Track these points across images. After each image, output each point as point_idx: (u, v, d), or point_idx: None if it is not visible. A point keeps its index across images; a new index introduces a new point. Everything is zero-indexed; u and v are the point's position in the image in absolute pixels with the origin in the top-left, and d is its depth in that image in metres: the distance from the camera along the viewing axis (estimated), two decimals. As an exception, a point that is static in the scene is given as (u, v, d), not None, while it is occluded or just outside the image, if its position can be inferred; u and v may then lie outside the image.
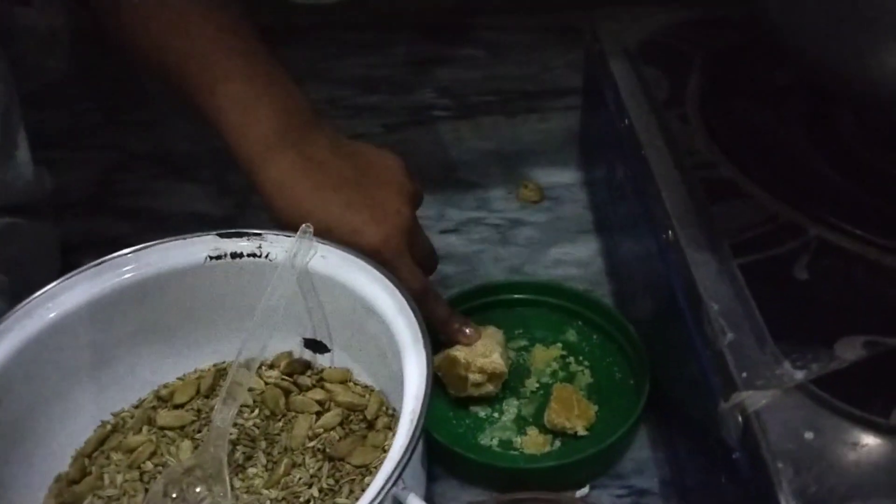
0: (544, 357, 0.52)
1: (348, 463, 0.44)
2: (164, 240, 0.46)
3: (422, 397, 0.37)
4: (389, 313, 0.42)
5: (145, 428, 0.47)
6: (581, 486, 0.46)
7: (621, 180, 0.53)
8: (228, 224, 0.63)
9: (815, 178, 0.45)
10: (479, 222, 0.65)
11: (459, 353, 0.48)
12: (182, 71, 0.47)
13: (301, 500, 0.42)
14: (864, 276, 0.39)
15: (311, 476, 0.44)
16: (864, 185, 0.44)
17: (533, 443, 0.47)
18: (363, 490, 0.36)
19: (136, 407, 0.48)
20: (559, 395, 0.48)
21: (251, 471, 0.45)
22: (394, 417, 0.46)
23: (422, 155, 0.72)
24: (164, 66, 0.47)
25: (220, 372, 0.49)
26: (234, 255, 0.46)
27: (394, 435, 0.37)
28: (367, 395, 0.47)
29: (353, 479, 0.44)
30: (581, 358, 0.52)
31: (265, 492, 0.43)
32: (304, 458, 0.45)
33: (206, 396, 0.48)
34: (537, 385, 0.51)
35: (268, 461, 0.45)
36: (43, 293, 0.43)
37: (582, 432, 0.47)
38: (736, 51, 0.55)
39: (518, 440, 0.48)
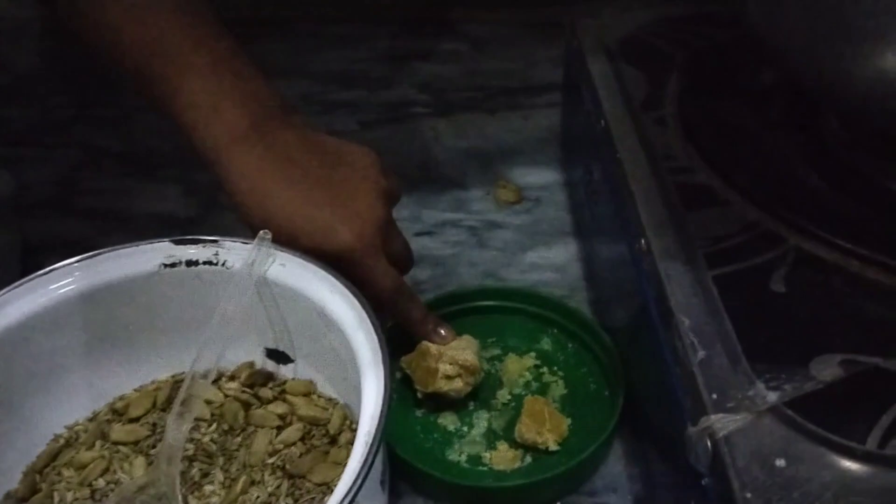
0: (517, 367, 0.50)
1: (309, 480, 0.43)
2: (115, 247, 0.44)
3: (378, 417, 0.35)
4: (349, 326, 0.40)
5: (98, 443, 0.45)
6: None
7: (598, 184, 0.51)
8: (193, 225, 0.61)
9: (797, 184, 0.43)
10: (455, 224, 0.63)
11: (432, 344, 0.46)
12: (145, 64, 0.45)
13: (258, 519, 0.41)
14: (843, 290, 0.37)
15: (270, 494, 0.42)
16: (847, 193, 0.42)
17: (502, 458, 0.45)
18: (322, 510, 0.34)
19: (91, 420, 0.46)
20: (530, 409, 0.46)
21: (208, 488, 0.43)
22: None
23: (398, 154, 0.70)
24: (127, 59, 0.45)
25: (178, 384, 0.47)
26: (190, 263, 0.44)
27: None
28: (331, 409, 0.46)
29: (314, 498, 0.42)
30: (555, 368, 0.50)
31: (221, 510, 0.42)
32: (262, 475, 0.43)
33: (163, 410, 0.46)
34: (509, 397, 0.49)
35: (225, 478, 0.43)
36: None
37: (553, 447, 0.45)
38: (719, 49, 0.53)
39: (487, 455, 0.46)
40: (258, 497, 0.42)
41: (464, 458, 0.46)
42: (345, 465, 0.42)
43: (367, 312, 0.40)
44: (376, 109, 0.75)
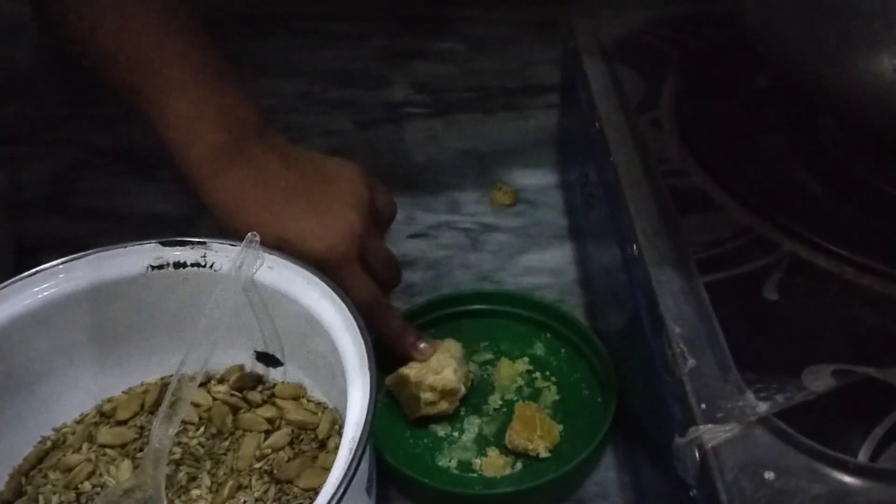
0: (510, 372, 0.50)
1: (296, 486, 0.42)
2: (102, 249, 0.43)
3: (363, 423, 0.35)
4: (336, 330, 0.40)
5: (85, 445, 0.45)
6: (542, 511, 0.44)
7: (593, 187, 0.51)
8: (188, 224, 0.61)
9: (793, 189, 0.43)
10: (450, 226, 0.62)
11: (410, 371, 0.46)
12: (130, 81, 0.45)
13: (244, 525, 0.40)
14: (837, 298, 0.36)
15: (257, 500, 0.42)
16: (844, 198, 0.42)
17: (493, 465, 0.45)
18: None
19: (79, 422, 0.46)
20: (521, 415, 0.46)
21: (195, 493, 0.42)
22: (345, 437, 0.43)
23: (393, 154, 0.69)
24: (113, 74, 0.45)
25: (167, 386, 0.46)
26: (178, 265, 0.44)
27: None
28: (320, 413, 0.45)
29: (301, 503, 0.41)
30: (548, 373, 0.50)
31: (208, 515, 0.41)
32: (250, 480, 0.43)
33: (151, 412, 0.46)
34: (501, 402, 0.48)
35: (212, 482, 0.43)
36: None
37: (544, 454, 0.45)
38: (716, 50, 0.52)
39: (478, 462, 0.45)
40: (245, 502, 0.42)
41: (454, 464, 0.45)
42: (333, 470, 0.42)
43: (355, 317, 0.40)
44: (373, 109, 0.75)
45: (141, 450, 0.44)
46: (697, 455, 0.31)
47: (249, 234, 0.43)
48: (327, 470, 0.42)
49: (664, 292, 0.37)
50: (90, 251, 0.43)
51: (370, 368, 0.37)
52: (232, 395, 0.46)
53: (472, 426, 0.47)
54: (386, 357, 0.47)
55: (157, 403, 0.46)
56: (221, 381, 0.47)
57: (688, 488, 0.32)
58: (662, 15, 0.58)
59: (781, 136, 0.46)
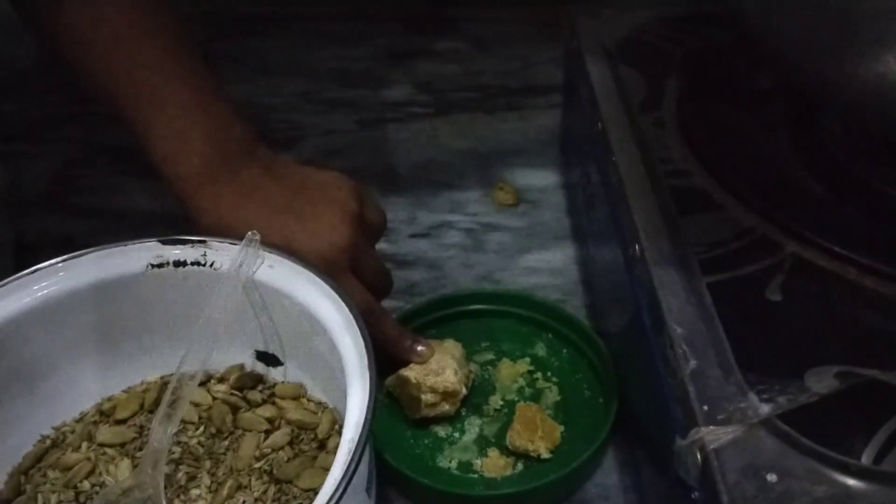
0: (511, 372, 0.50)
1: (296, 486, 0.42)
2: (102, 247, 0.43)
3: (362, 423, 0.35)
4: (336, 330, 0.40)
5: (85, 444, 0.44)
6: (542, 512, 0.44)
7: (595, 187, 0.50)
8: (187, 223, 0.60)
9: (796, 189, 0.42)
10: (452, 226, 0.62)
11: (410, 372, 0.46)
12: (117, 94, 0.45)
13: (243, 525, 0.40)
14: (841, 299, 0.36)
15: (256, 500, 0.42)
16: (847, 199, 0.41)
17: (494, 465, 0.45)
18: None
19: (78, 421, 0.46)
20: (522, 415, 0.46)
21: (194, 492, 0.42)
22: (346, 437, 0.43)
23: (395, 154, 0.69)
24: (100, 88, 0.45)
25: (167, 385, 0.46)
26: (178, 264, 0.44)
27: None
28: (320, 413, 0.45)
29: (301, 504, 0.41)
30: (549, 374, 0.50)
31: (207, 515, 0.41)
32: (249, 480, 0.42)
33: (151, 411, 0.46)
34: (502, 403, 0.48)
35: (212, 482, 0.43)
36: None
37: (545, 455, 0.45)
38: (718, 50, 0.52)
39: (478, 462, 0.45)
40: (244, 502, 0.41)
41: (454, 464, 0.45)
42: (333, 470, 0.42)
43: (355, 317, 0.39)
44: (375, 108, 0.75)
45: (140, 449, 0.44)
46: (699, 457, 0.30)
47: (249, 232, 0.43)
48: (327, 470, 0.42)
49: (666, 293, 0.37)
50: (90, 249, 0.43)
51: (370, 368, 0.37)
52: (232, 394, 0.46)
53: (473, 427, 0.47)
54: (386, 358, 0.47)
55: (157, 402, 0.46)
56: (221, 380, 0.47)
57: (689, 490, 0.31)
58: (664, 15, 0.58)
59: (783, 136, 0.46)
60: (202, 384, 0.46)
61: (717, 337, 0.34)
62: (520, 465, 0.45)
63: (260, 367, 0.47)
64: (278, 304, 0.43)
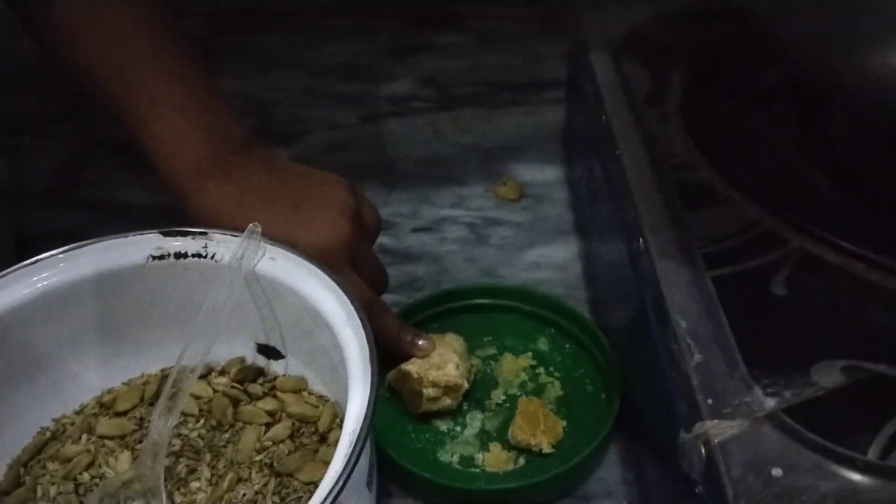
0: (513, 367, 0.49)
1: (296, 479, 0.42)
2: (103, 238, 0.43)
3: (363, 416, 0.35)
4: (338, 323, 0.39)
5: (84, 436, 0.44)
6: (544, 508, 0.43)
7: (598, 181, 0.50)
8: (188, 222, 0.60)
9: (802, 184, 0.42)
10: (454, 221, 0.62)
11: (412, 366, 0.45)
12: (113, 92, 0.45)
13: (243, 518, 0.40)
14: (847, 294, 0.36)
15: (256, 493, 0.41)
16: (854, 194, 0.41)
17: (495, 460, 0.44)
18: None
19: (78, 413, 0.46)
20: (524, 410, 0.45)
21: (194, 485, 0.42)
22: (347, 431, 0.43)
23: (398, 148, 0.69)
24: (95, 86, 0.45)
25: (167, 377, 0.46)
26: (179, 256, 0.43)
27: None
28: (321, 407, 0.45)
29: (301, 497, 0.41)
30: (552, 368, 0.49)
31: (207, 508, 0.41)
32: (250, 473, 0.42)
33: (151, 404, 0.45)
34: (504, 397, 0.48)
35: (212, 475, 0.42)
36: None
37: (547, 450, 0.44)
38: (724, 45, 0.51)
39: (480, 457, 0.45)
40: (244, 495, 0.41)
41: (456, 459, 0.45)
42: (333, 464, 0.41)
43: (357, 310, 0.39)
44: (378, 103, 0.74)
45: (140, 441, 0.44)
46: (703, 451, 0.30)
47: (251, 224, 0.42)
48: (328, 463, 0.41)
49: (670, 286, 0.36)
50: (91, 241, 0.43)
51: (371, 361, 0.37)
52: (233, 387, 0.45)
53: (475, 421, 0.47)
54: (387, 353, 0.46)
55: (158, 395, 0.45)
56: (222, 373, 0.47)
57: (693, 485, 0.31)
58: (670, 9, 0.57)
59: (789, 131, 0.46)
60: (203, 377, 0.46)
61: (721, 331, 0.34)
62: (521, 460, 0.45)
63: (261, 361, 0.47)
64: (280, 297, 0.43)
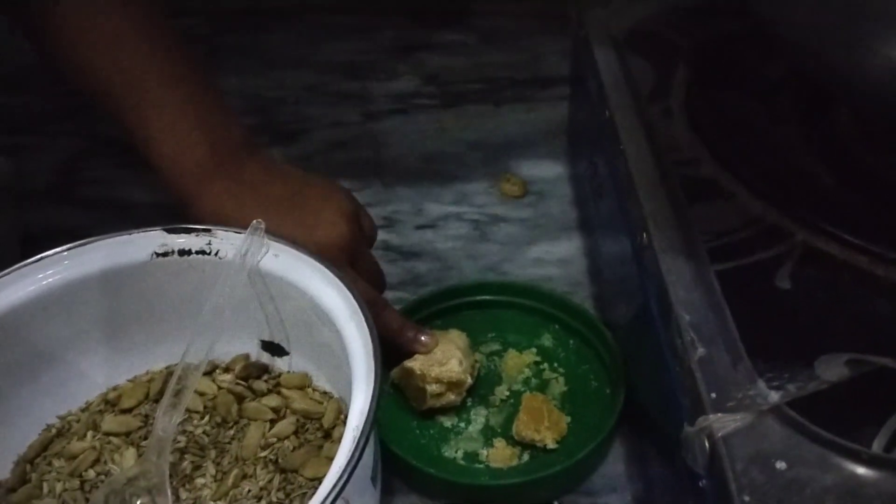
0: (517, 363, 0.49)
1: (301, 475, 0.42)
2: (107, 236, 0.43)
3: (367, 411, 0.35)
4: (341, 318, 0.39)
5: (90, 433, 0.44)
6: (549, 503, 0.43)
7: (602, 177, 0.50)
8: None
9: (806, 178, 0.42)
10: (458, 217, 0.62)
11: (415, 363, 0.45)
12: (113, 95, 0.45)
13: (248, 514, 0.40)
14: (851, 287, 0.36)
15: (261, 488, 0.41)
16: (859, 188, 0.41)
17: (500, 456, 0.45)
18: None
19: (84, 410, 0.46)
20: (529, 406, 0.45)
21: (199, 481, 0.42)
22: (351, 427, 0.43)
23: (402, 146, 0.69)
24: (95, 87, 0.46)
25: (172, 375, 0.46)
26: (183, 252, 0.44)
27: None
28: (325, 403, 0.45)
29: (305, 493, 0.41)
30: (556, 364, 0.49)
31: (212, 504, 0.41)
32: (254, 469, 0.42)
33: (156, 401, 0.46)
34: (508, 393, 0.48)
35: (217, 471, 0.43)
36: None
37: (552, 445, 0.44)
38: (727, 40, 0.51)
39: (484, 452, 0.45)
40: (249, 491, 0.41)
41: (460, 454, 0.45)
42: (338, 460, 0.41)
43: (360, 306, 0.39)
44: (381, 101, 0.74)
45: (145, 438, 0.44)
46: (707, 444, 0.30)
47: (255, 221, 0.43)
48: (332, 459, 0.42)
49: (674, 280, 0.36)
50: (95, 238, 0.43)
51: (375, 357, 0.37)
52: (237, 384, 0.46)
53: (479, 417, 0.47)
54: (391, 349, 0.46)
55: (162, 392, 0.46)
56: (227, 370, 0.47)
57: (697, 479, 0.31)
58: (673, 4, 0.57)
59: (793, 125, 0.46)
60: (207, 374, 0.46)
61: (725, 324, 0.34)
62: (526, 456, 0.45)
63: (265, 358, 0.47)
64: (283, 294, 0.43)
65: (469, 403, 0.48)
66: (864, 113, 0.44)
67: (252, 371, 0.46)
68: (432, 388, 0.45)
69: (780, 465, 0.29)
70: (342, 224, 0.45)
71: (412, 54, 0.80)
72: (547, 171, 0.66)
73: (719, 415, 0.30)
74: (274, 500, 0.41)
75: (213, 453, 0.43)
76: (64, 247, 0.42)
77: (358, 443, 0.33)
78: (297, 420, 0.44)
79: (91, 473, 0.43)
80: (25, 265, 0.42)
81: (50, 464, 0.43)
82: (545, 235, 0.60)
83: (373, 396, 0.35)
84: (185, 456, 0.43)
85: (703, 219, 0.40)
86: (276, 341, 0.46)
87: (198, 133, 0.45)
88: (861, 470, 0.29)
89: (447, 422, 0.47)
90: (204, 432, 0.44)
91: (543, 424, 0.44)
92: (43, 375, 0.44)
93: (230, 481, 0.41)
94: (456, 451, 0.45)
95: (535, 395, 0.46)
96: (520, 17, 0.84)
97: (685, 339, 0.34)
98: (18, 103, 0.75)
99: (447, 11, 0.85)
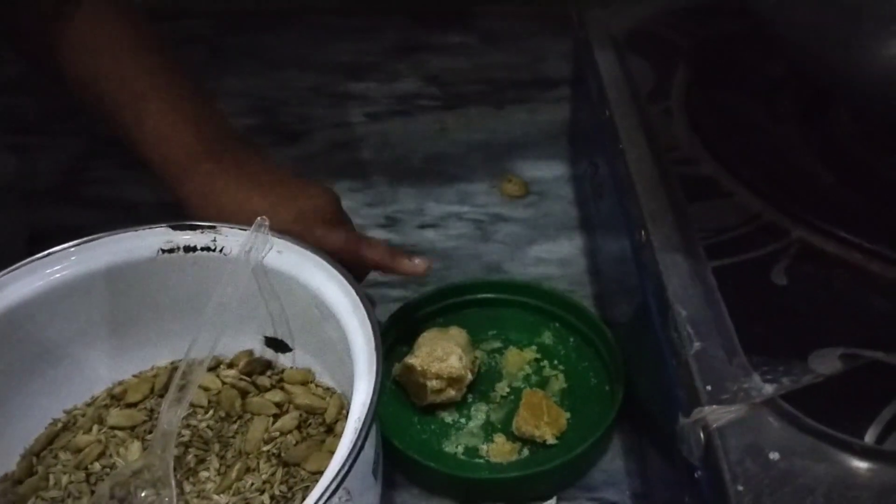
0: (518, 360, 0.50)
1: (303, 469, 0.42)
2: (113, 232, 0.44)
3: (368, 404, 0.35)
4: (344, 314, 0.40)
5: (95, 427, 0.45)
6: (548, 498, 0.44)
7: (602, 176, 0.51)
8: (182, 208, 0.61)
9: (803, 176, 0.42)
10: (460, 217, 0.63)
11: (415, 360, 0.46)
12: (102, 88, 0.47)
13: (251, 506, 0.41)
14: (845, 283, 0.36)
15: (264, 482, 0.42)
16: (854, 186, 0.42)
17: (500, 451, 0.45)
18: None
19: (89, 404, 0.46)
20: (528, 402, 0.46)
21: (203, 474, 0.43)
22: (353, 422, 0.44)
23: (404, 146, 0.70)
24: (84, 83, 0.47)
25: (177, 370, 0.47)
26: (188, 249, 0.44)
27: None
28: (328, 398, 0.45)
29: (308, 486, 0.41)
30: (556, 362, 0.50)
31: (216, 497, 0.41)
32: (258, 463, 0.43)
33: (161, 396, 0.46)
34: (508, 389, 0.48)
35: (221, 465, 0.43)
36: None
37: (551, 441, 0.45)
38: (726, 40, 0.52)
39: (484, 448, 0.45)
40: (252, 484, 0.42)
41: (461, 449, 0.46)
42: (341, 454, 0.42)
43: (362, 300, 0.40)
44: (384, 102, 0.75)
45: (150, 432, 0.44)
46: (702, 436, 0.31)
47: (259, 218, 0.43)
48: (334, 454, 0.42)
49: (671, 276, 0.37)
50: (101, 234, 0.44)
51: (377, 350, 0.37)
52: (241, 379, 0.46)
53: (480, 413, 0.47)
54: (392, 348, 0.47)
55: (167, 387, 0.46)
56: (231, 365, 0.47)
57: (692, 469, 0.31)
58: (673, 5, 0.58)
59: (791, 124, 0.46)
60: (212, 369, 0.47)
61: (721, 319, 0.34)
62: (525, 451, 0.45)
63: (269, 353, 0.48)
64: (287, 289, 0.44)
65: (470, 399, 0.48)
66: (863, 113, 0.44)
67: (256, 367, 0.47)
68: (433, 383, 0.46)
69: (774, 455, 0.29)
70: (327, 195, 0.47)
71: (414, 55, 0.81)
72: (548, 171, 0.66)
73: (714, 407, 0.31)
74: (276, 493, 0.41)
75: (216, 447, 0.44)
76: (71, 242, 0.43)
77: (360, 434, 0.34)
78: (300, 415, 0.45)
79: (96, 466, 0.43)
80: (33, 261, 0.42)
81: (56, 457, 0.44)
82: (546, 235, 0.61)
83: (375, 389, 0.35)
84: (190, 450, 0.43)
85: (701, 217, 0.40)
86: (279, 337, 0.47)
87: (189, 123, 0.47)
88: (854, 461, 0.29)
89: (448, 417, 0.47)
90: (208, 426, 0.44)
91: (543, 420, 0.45)
92: (49, 370, 0.45)
93: (234, 474, 0.42)
94: (456, 446, 0.46)
95: (535, 392, 0.47)
96: (521, 19, 0.85)
97: (682, 333, 0.34)
98: (24, 104, 0.75)
99: (449, 13, 0.86)
